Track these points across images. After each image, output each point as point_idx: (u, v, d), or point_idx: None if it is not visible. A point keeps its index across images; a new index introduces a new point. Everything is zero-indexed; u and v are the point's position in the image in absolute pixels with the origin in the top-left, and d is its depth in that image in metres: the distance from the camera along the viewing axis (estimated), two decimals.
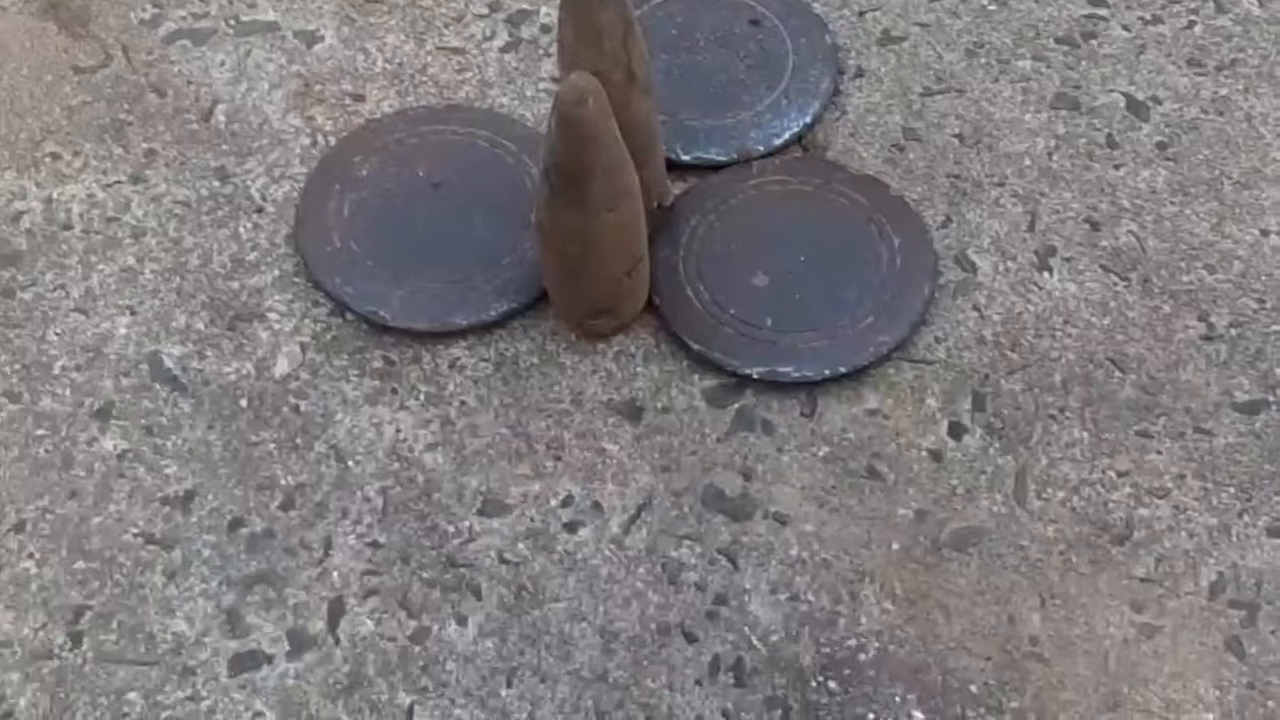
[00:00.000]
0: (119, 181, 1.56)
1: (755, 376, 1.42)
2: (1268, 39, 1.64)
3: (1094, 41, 1.64)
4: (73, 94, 1.63)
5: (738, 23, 1.66)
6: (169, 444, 1.40)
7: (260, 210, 1.54)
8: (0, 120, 1.60)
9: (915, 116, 1.60)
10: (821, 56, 1.63)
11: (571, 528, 1.35)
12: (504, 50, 1.66)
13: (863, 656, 1.28)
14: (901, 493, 1.36)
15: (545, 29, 1.67)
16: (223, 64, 1.65)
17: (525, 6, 1.69)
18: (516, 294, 1.47)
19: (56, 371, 1.44)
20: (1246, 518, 1.34)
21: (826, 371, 1.42)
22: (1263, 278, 1.47)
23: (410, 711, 1.27)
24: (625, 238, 1.39)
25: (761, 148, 1.57)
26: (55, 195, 1.55)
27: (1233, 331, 1.44)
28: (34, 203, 1.55)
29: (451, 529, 1.35)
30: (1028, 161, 1.56)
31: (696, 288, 1.47)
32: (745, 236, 1.50)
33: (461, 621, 1.31)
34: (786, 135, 1.57)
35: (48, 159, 1.58)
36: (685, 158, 1.56)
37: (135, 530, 1.35)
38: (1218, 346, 1.43)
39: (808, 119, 1.58)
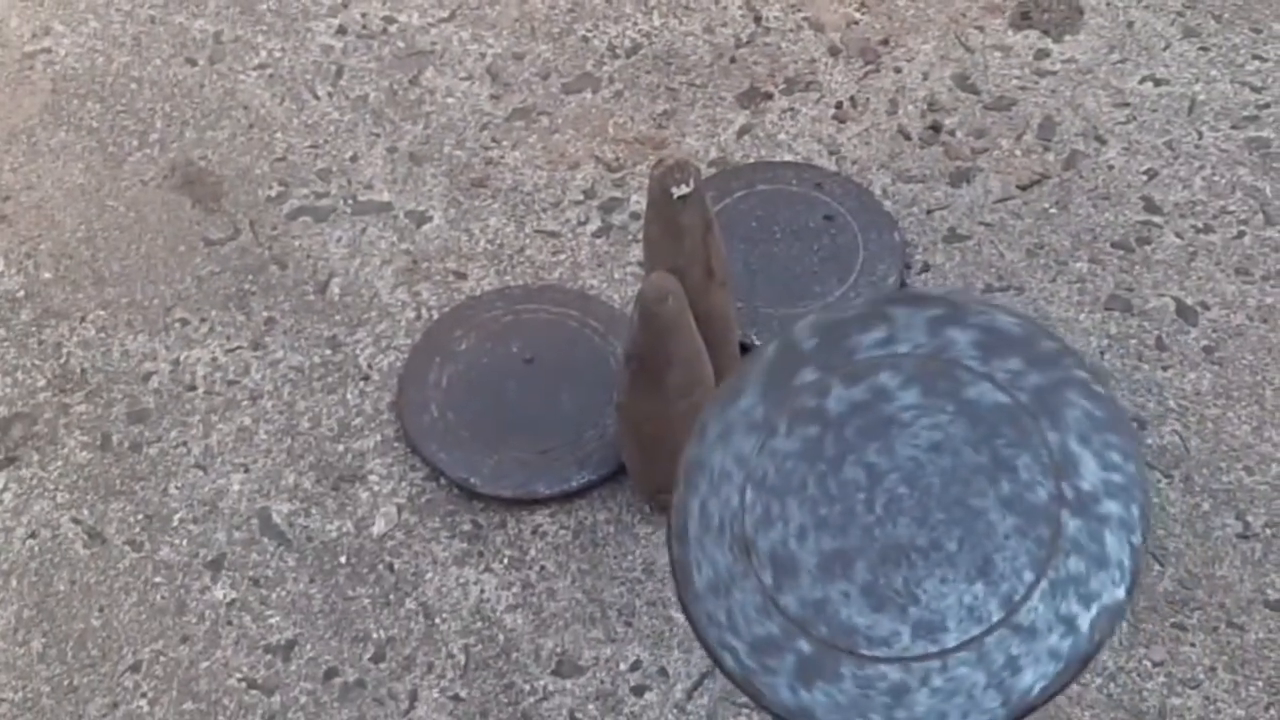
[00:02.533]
0: (240, 347, 1.71)
1: None
2: None
3: (1148, 247, 1.75)
4: (203, 264, 1.78)
5: (812, 218, 1.78)
6: (273, 595, 1.53)
7: (366, 378, 1.68)
8: (136, 286, 1.76)
9: None
10: (890, 252, 1.75)
11: (639, 691, 1.46)
12: (596, 235, 1.80)
13: None
14: None
15: (635, 216, 1.80)
16: (340, 240, 1.80)
17: (617, 195, 1.83)
18: (597, 466, 1.59)
19: (175, 523, 1.58)
20: (1273, 711, 1.41)
21: None
22: None
23: None
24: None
25: None
26: (182, 358, 1.70)
27: (1268, 531, 1.53)
28: (162, 364, 1.70)
29: (527, 687, 1.46)
30: None
31: None
32: None
33: None
34: None
35: (177, 324, 1.73)
36: (759, 343, 1.68)
37: (240, 675, 1.48)
38: (1253, 545, 1.52)
39: None
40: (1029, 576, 0.96)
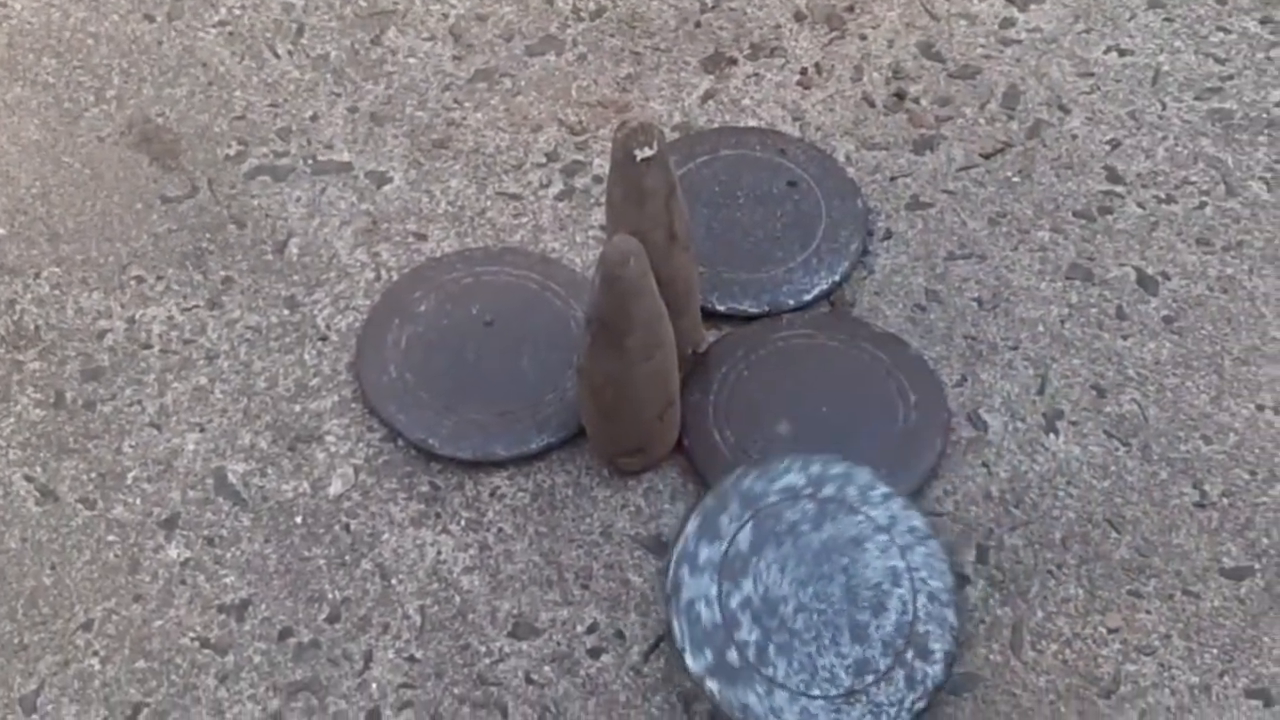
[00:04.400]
0: (197, 306, 1.69)
1: None
2: (1274, 222, 1.74)
3: (1110, 217, 1.75)
4: (159, 222, 1.76)
5: (776, 183, 1.78)
6: (228, 555, 1.51)
7: (324, 339, 1.67)
8: (91, 244, 1.74)
9: (938, 279, 1.71)
10: (853, 219, 1.74)
11: (595, 653, 1.45)
12: (558, 198, 1.79)
13: None
14: None
15: (597, 179, 1.79)
16: (299, 200, 1.79)
17: (580, 158, 1.82)
18: (556, 429, 1.58)
19: (129, 481, 1.56)
20: (1227, 679, 1.42)
21: None
22: (1255, 451, 1.56)
23: None
24: (659, 385, 1.50)
25: (792, 302, 1.68)
26: (137, 316, 1.68)
27: (1224, 500, 1.53)
28: (118, 322, 1.68)
29: (483, 649, 1.46)
30: (1041, 328, 1.66)
31: (723, 432, 1.58)
32: (772, 386, 1.61)
33: None
34: (816, 292, 1.68)
35: (133, 282, 1.71)
36: (720, 308, 1.67)
37: (193, 634, 1.46)
38: (1210, 514, 1.53)
39: (837, 277, 1.70)
40: (886, 521, 1.45)
